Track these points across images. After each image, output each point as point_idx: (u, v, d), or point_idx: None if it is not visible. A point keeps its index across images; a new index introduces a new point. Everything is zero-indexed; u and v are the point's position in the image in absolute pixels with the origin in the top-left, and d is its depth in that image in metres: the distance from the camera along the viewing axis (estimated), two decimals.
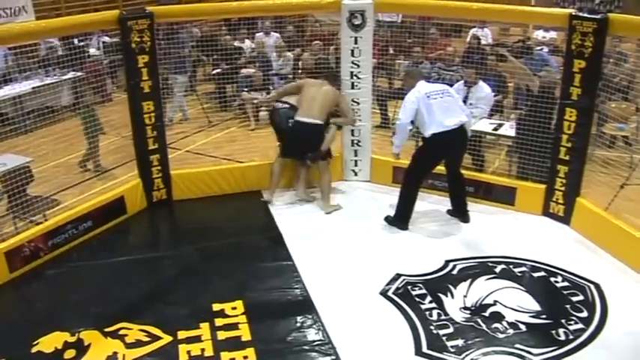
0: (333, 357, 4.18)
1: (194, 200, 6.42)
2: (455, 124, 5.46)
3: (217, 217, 6.18)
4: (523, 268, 5.17)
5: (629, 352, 4.22)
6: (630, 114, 7.49)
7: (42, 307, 4.82)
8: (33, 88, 8.32)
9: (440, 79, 7.57)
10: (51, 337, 4.39)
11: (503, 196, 6.14)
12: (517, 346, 4.24)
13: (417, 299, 4.77)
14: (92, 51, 9.85)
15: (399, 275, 5.06)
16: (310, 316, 4.59)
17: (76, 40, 7.79)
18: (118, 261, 5.41)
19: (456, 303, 4.72)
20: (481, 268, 5.18)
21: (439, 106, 5.47)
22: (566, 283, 4.97)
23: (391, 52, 9.10)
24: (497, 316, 4.55)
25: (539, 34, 10.32)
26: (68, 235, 5.54)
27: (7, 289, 5.03)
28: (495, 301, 4.72)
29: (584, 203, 5.67)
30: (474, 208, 6.04)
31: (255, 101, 8.50)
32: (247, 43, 9.80)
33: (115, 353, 4.25)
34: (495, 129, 6.71)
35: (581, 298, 4.78)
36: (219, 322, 4.53)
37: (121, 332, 4.44)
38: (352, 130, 6.58)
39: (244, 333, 4.41)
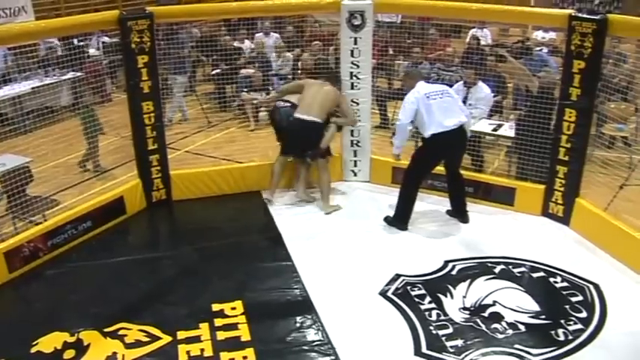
0: (333, 357, 4.19)
1: (193, 200, 6.42)
2: (454, 125, 5.47)
3: (217, 217, 6.18)
4: (522, 269, 5.18)
5: (628, 353, 4.23)
6: (629, 114, 7.49)
7: (41, 308, 4.82)
8: (32, 88, 8.31)
9: (439, 79, 7.57)
10: (50, 338, 4.39)
11: (503, 197, 6.14)
12: (516, 346, 4.24)
13: (417, 299, 4.77)
14: (92, 51, 9.85)
15: (398, 275, 5.07)
16: (310, 317, 4.59)
17: (75, 41, 7.80)
18: (117, 261, 5.41)
19: (456, 303, 4.72)
20: (480, 268, 5.19)
21: (439, 106, 5.47)
22: (565, 284, 4.97)
23: (391, 52, 9.10)
24: (497, 317, 4.55)
25: (539, 35, 10.32)
26: (68, 235, 5.54)
27: (7, 290, 5.03)
28: (495, 302, 4.72)
29: (583, 204, 5.67)
30: (474, 208, 6.04)
31: (254, 102, 8.51)
32: (247, 44, 9.80)
33: (115, 353, 4.25)
34: (495, 129, 6.71)
35: (580, 298, 4.78)
36: (218, 322, 4.53)
37: (121, 332, 4.44)
38: (352, 131, 6.59)
39: (244, 333, 4.41)
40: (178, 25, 7.80)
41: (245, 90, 8.64)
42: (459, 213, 5.94)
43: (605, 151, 6.80)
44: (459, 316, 4.57)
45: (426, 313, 4.61)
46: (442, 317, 4.56)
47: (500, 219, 6.01)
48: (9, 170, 5.47)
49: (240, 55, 9.32)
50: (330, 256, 5.40)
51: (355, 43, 6.29)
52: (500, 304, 4.70)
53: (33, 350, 4.29)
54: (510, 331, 4.39)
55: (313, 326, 4.49)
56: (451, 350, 4.22)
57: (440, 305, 4.70)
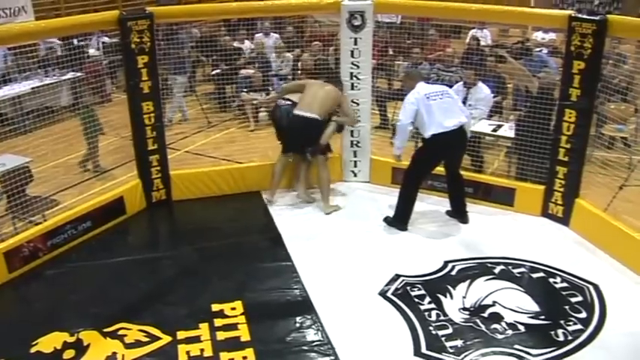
0: (332, 357, 4.19)
1: (193, 201, 6.42)
2: (454, 125, 5.47)
3: (217, 217, 6.18)
4: (522, 269, 5.18)
5: (627, 353, 4.23)
6: (629, 115, 7.49)
7: (41, 308, 4.82)
8: (32, 88, 8.32)
9: (439, 80, 7.57)
10: (50, 338, 4.39)
11: (503, 197, 6.15)
12: (516, 346, 4.25)
13: (416, 300, 4.77)
14: (92, 51, 9.85)
15: (398, 276, 5.07)
16: (309, 317, 4.59)
17: (75, 41, 7.80)
18: (117, 261, 5.41)
19: (455, 304, 4.73)
20: (480, 268, 5.19)
21: (439, 107, 5.47)
22: (565, 284, 4.97)
23: (391, 53, 9.10)
24: (496, 317, 4.55)
25: (539, 36, 10.33)
26: (67, 235, 5.54)
27: (7, 290, 5.03)
28: (494, 302, 4.72)
29: (583, 204, 5.67)
30: (473, 208, 6.04)
31: (254, 102, 8.52)
32: (247, 44, 9.81)
33: (114, 353, 4.25)
34: (494, 130, 6.71)
35: (580, 298, 4.78)
36: (218, 322, 4.53)
37: (121, 332, 4.44)
38: (352, 131, 6.59)
39: (243, 333, 4.41)
40: (178, 26, 7.80)
41: (245, 90, 8.65)
42: (458, 213, 5.94)
43: (605, 152, 6.81)
44: (458, 317, 4.57)
45: (426, 313, 4.62)
46: (442, 317, 4.57)
47: (499, 219, 6.01)
48: (9, 170, 5.46)
49: (240, 55, 9.33)
50: (329, 256, 5.40)
51: (355, 44, 6.30)
52: (499, 304, 4.70)
53: (33, 350, 4.29)
54: (510, 332, 4.39)
55: (313, 326, 4.49)
56: (451, 350, 4.22)
57: (439, 305, 4.70)
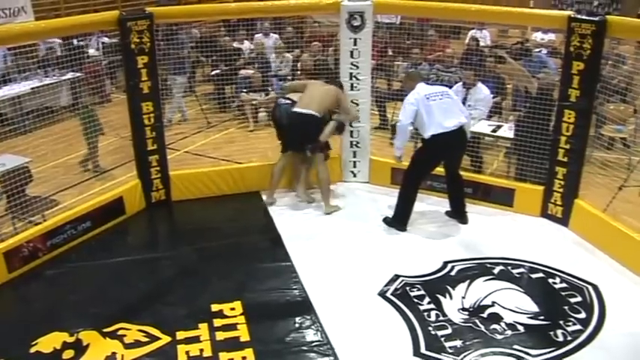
0: (332, 357, 4.19)
1: (193, 201, 6.42)
2: (454, 126, 5.48)
3: (216, 217, 6.18)
4: (521, 270, 5.18)
5: (627, 353, 4.23)
6: (628, 116, 7.50)
7: (41, 308, 4.82)
8: (32, 88, 8.31)
9: (438, 80, 7.58)
10: (50, 338, 4.39)
11: (502, 198, 6.15)
12: (515, 347, 4.25)
13: (416, 300, 4.77)
14: (91, 52, 9.86)
15: (397, 276, 5.07)
16: (309, 317, 4.59)
17: (75, 41, 7.80)
18: (116, 261, 5.41)
19: (455, 304, 4.73)
20: (479, 269, 5.19)
21: (438, 107, 5.48)
22: (564, 285, 4.98)
23: (390, 53, 9.11)
24: (496, 317, 4.56)
25: (538, 36, 10.34)
26: (67, 235, 5.54)
27: (6, 290, 5.03)
28: (493, 302, 4.73)
29: (582, 205, 5.68)
30: (473, 209, 6.04)
31: (254, 102, 8.52)
32: (246, 44, 9.81)
33: (114, 353, 4.25)
34: (494, 130, 6.72)
35: (579, 299, 4.79)
36: (217, 322, 4.53)
37: (120, 332, 4.44)
38: (351, 132, 6.59)
39: (243, 333, 4.41)
40: (178, 26, 7.81)
41: (244, 91, 8.65)
42: (458, 214, 5.95)
43: (604, 153, 6.81)
44: (457, 317, 4.57)
45: (425, 313, 4.62)
46: (441, 318, 4.57)
47: (499, 220, 6.01)
48: (8, 170, 5.46)
49: (239, 55, 9.33)
50: (329, 256, 5.40)
51: (355, 44, 6.30)
52: (499, 304, 4.70)
53: (32, 350, 4.29)
54: (509, 332, 4.40)
55: (312, 327, 4.49)
56: (450, 351, 4.22)
57: (439, 306, 4.71)
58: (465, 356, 4.17)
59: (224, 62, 8.90)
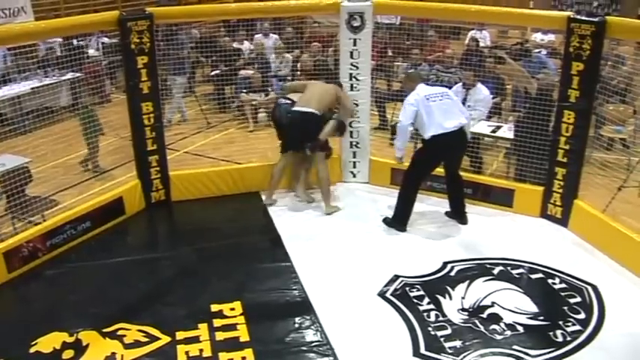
0: (331, 358, 4.19)
1: (192, 201, 6.42)
2: (454, 127, 5.48)
3: (216, 218, 6.18)
4: (521, 270, 5.18)
5: (626, 354, 4.24)
6: (628, 116, 7.50)
7: (40, 308, 4.82)
8: (32, 88, 8.32)
9: (438, 81, 7.58)
10: (49, 338, 4.39)
11: (501, 198, 6.15)
12: (515, 347, 4.25)
13: (415, 300, 4.78)
14: (91, 52, 9.86)
15: (397, 276, 5.07)
16: (308, 317, 4.59)
17: (74, 41, 7.80)
18: (116, 261, 5.41)
19: (454, 304, 4.73)
20: (479, 269, 5.20)
21: (438, 108, 5.48)
22: (563, 285, 4.98)
23: (390, 54, 9.11)
24: (495, 318, 4.56)
25: (538, 37, 10.35)
26: (67, 235, 5.54)
27: (6, 290, 5.04)
28: (493, 303, 4.73)
29: (581, 205, 5.68)
30: (472, 209, 6.05)
31: (253, 102, 8.52)
32: (246, 45, 9.81)
33: (114, 354, 4.25)
34: (494, 131, 6.73)
35: (578, 299, 4.79)
36: (217, 322, 4.54)
37: (120, 333, 4.44)
38: (351, 132, 6.60)
39: (242, 334, 4.42)
40: (178, 26, 7.81)
41: (244, 91, 8.65)
42: (457, 214, 5.95)
43: (604, 153, 6.81)
44: (457, 317, 4.58)
45: (425, 314, 4.62)
46: (441, 318, 4.57)
47: (498, 220, 6.01)
48: (8, 170, 5.46)
49: (239, 56, 9.33)
50: (328, 257, 5.41)
51: (354, 45, 6.31)
52: (498, 305, 4.70)
53: (32, 350, 4.29)
54: (509, 332, 4.40)
55: (312, 327, 4.50)
56: (450, 351, 4.23)
57: (438, 306, 4.71)
58: (464, 357, 4.18)
59: (224, 63, 8.90)
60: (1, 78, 8.76)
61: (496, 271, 5.17)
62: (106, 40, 9.84)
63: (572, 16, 5.33)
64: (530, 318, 4.56)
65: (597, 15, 5.32)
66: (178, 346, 4.30)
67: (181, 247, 5.67)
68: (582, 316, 4.59)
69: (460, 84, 7.08)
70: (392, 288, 4.93)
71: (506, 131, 6.62)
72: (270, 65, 9.08)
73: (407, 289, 4.92)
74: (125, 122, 6.07)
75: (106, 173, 7.07)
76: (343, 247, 5.55)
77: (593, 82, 5.42)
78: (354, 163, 6.78)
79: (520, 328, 4.44)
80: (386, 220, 5.88)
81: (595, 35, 5.18)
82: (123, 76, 6.03)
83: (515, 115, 6.86)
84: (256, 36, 9.84)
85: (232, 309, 4.68)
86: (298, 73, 8.67)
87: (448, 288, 4.93)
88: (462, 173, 5.98)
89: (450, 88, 6.42)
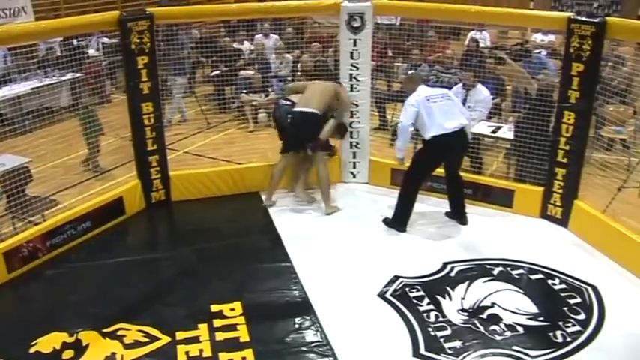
0: (331, 358, 4.19)
1: (193, 201, 6.42)
2: (455, 127, 5.48)
3: (216, 218, 6.19)
4: (521, 271, 5.19)
5: (626, 354, 4.24)
6: (628, 117, 7.50)
7: (40, 308, 4.82)
8: (32, 88, 8.32)
9: (438, 81, 7.58)
10: (49, 338, 4.39)
11: (501, 199, 6.16)
12: (514, 348, 4.25)
13: (415, 301, 4.78)
14: (91, 52, 9.86)
15: (397, 277, 5.07)
16: (308, 318, 4.60)
17: (75, 41, 7.80)
18: (116, 262, 5.41)
19: (454, 305, 4.73)
20: (479, 270, 5.20)
21: (439, 109, 5.49)
22: (563, 286, 4.98)
23: (390, 54, 9.11)
24: (495, 318, 4.56)
25: (538, 37, 10.35)
26: (67, 235, 5.54)
27: (6, 290, 5.04)
28: (493, 303, 4.73)
29: (581, 206, 5.68)
30: (472, 210, 6.05)
31: (253, 103, 8.52)
32: (246, 45, 9.81)
33: (114, 354, 4.25)
34: (494, 132, 6.73)
35: (578, 300, 4.79)
36: (217, 322, 4.54)
37: (120, 333, 4.44)
38: (351, 133, 6.60)
39: (242, 334, 4.42)
40: (178, 27, 7.82)
41: (244, 91, 8.66)
42: (457, 215, 5.95)
43: (604, 154, 6.81)
44: (457, 318, 4.58)
45: (425, 314, 4.62)
46: (440, 319, 4.57)
47: (498, 221, 6.02)
48: (8, 170, 5.47)
49: (239, 56, 9.33)
50: (328, 257, 5.41)
51: (355, 45, 6.31)
52: (498, 305, 4.70)
53: (32, 350, 4.29)
54: (509, 333, 4.40)
55: (312, 327, 4.50)
56: (449, 352, 4.23)
57: (438, 307, 4.71)
58: (464, 357, 4.18)
59: (224, 63, 8.91)
60: (1, 78, 8.76)
61: (496, 271, 5.17)
62: (106, 40, 9.84)
63: (572, 17, 5.33)
64: (530, 318, 4.56)
65: (597, 16, 5.32)
66: (178, 346, 4.30)
67: (181, 248, 5.67)
68: (582, 316, 4.59)
69: (460, 85, 7.08)
70: (392, 288, 4.94)
71: (506, 132, 6.62)
72: (270, 66, 9.08)
73: (407, 289, 4.93)
74: (125, 122, 6.07)
75: (106, 173, 7.07)
76: (343, 248, 5.55)
77: (593, 83, 5.42)
78: (354, 163, 6.78)
79: (520, 329, 4.44)
80: (386, 221, 5.88)
81: (595, 36, 5.18)
82: (123, 77, 6.03)
83: (515, 116, 6.86)
84: (256, 36, 9.85)
85: (232, 309, 4.68)
86: (298, 73, 8.68)
87: (448, 288, 4.93)
88: (462, 174, 5.98)
89: (450, 88, 6.42)
